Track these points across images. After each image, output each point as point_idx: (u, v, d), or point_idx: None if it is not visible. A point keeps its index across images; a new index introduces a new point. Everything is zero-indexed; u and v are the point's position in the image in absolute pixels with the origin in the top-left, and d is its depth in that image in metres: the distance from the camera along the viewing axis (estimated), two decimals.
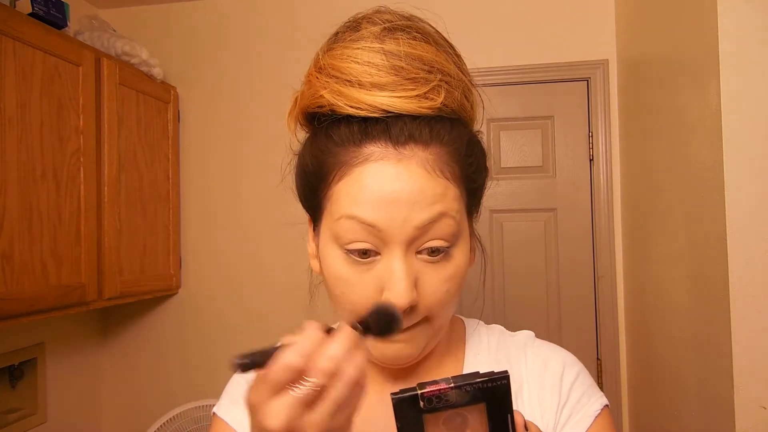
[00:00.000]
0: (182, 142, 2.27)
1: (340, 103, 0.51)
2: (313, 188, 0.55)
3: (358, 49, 0.52)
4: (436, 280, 0.52)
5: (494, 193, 2.10)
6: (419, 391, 0.38)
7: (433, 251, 0.52)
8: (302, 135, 0.60)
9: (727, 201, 1.04)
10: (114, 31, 2.02)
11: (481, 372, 0.39)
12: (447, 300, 0.54)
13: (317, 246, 0.58)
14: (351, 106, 0.51)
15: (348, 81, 0.51)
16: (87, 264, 1.70)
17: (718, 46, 1.05)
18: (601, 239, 2.03)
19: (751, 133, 1.03)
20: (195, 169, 2.28)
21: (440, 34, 0.57)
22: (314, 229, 0.59)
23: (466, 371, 0.63)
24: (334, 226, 0.52)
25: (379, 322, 0.46)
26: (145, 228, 2.01)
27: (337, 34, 0.57)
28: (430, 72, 0.52)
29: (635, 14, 1.79)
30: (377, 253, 0.52)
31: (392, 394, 0.38)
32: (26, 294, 1.46)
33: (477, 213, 0.60)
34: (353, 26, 0.55)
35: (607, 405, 0.62)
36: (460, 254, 0.54)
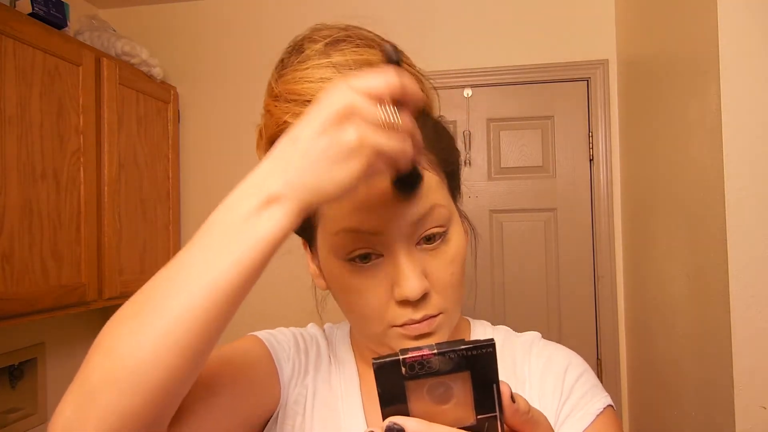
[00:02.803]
0: (182, 142, 2.27)
1: None
2: None
3: (308, 68, 0.54)
4: (441, 264, 0.54)
5: (494, 193, 2.10)
6: (401, 357, 0.37)
7: (429, 238, 0.53)
8: None
9: (727, 201, 1.04)
10: (114, 31, 2.02)
11: (465, 339, 0.38)
12: (454, 283, 0.55)
13: (318, 264, 0.59)
14: None
15: (307, 101, 0.53)
16: (87, 264, 1.70)
17: (718, 46, 1.05)
18: (601, 239, 2.03)
19: (751, 133, 1.03)
20: (195, 169, 2.28)
21: (379, 36, 0.58)
22: (311, 249, 0.60)
23: None
24: (331, 241, 0.53)
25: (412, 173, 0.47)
26: (145, 228, 2.01)
27: (282, 60, 0.59)
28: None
29: (635, 14, 1.79)
30: (379, 255, 0.52)
31: (374, 358, 0.37)
32: (26, 294, 1.46)
33: (459, 194, 0.61)
34: (297, 49, 0.57)
35: (610, 405, 0.61)
36: (456, 236, 0.55)
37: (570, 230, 2.06)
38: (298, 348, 0.65)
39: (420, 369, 0.37)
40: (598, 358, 2.01)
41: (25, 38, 1.48)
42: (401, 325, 0.53)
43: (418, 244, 0.53)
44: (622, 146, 1.99)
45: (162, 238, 2.12)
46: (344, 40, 0.55)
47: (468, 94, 2.10)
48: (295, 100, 0.53)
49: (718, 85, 1.05)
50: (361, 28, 0.58)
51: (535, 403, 0.59)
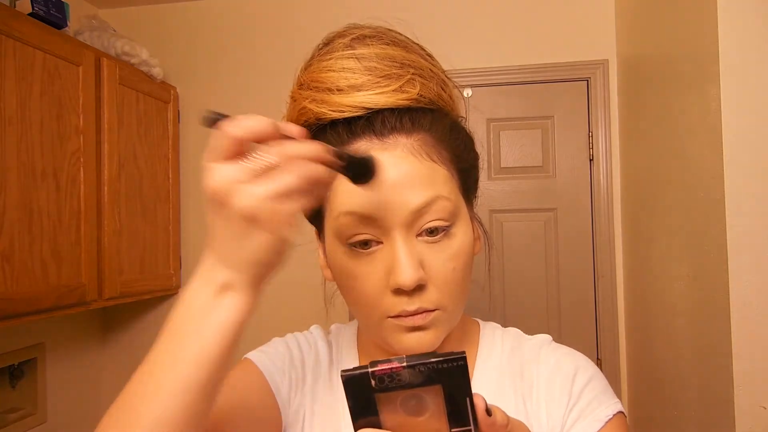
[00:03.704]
0: (182, 142, 2.27)
1: (323, 110, 0.54)
2: None
3: (332, 59, 0.55)
4: (441, 258, 0.53)
5: (494, 193, 2.10)
6: (370, 369, 0.37)
7: (432, 231, 0.53)
8: None
9: (727, 201, 1.04)
10: (114, 31, 2.02)
11: (438, 352, 0.38)
12: (454, 279, 0.54)
13: (325, 254, 0.59)
14: (333, 111, 0.54)
15: (327, 89, 0.54)
16: (87, 264, 1.70)
17: (718, 46, 1.05)
18: (601, 239, 2.03)
19: (751, 133, 1.03)
20: (195, 169, 2.28)
21: (408, 38, 0.59)
22: (320, 238, 0.60)
23: (477, 371, 0.64)
24: (334, 225, 0.54)
25: (356, 163, 0.46)
26: (145, 228, 2.01)
27: (312, 54, 0.60)
28: (402, 68, 0.54)
29: (635, 14, 1.79)
30: (379, 242, 0.53)
31: (342, 371, 0.37)
32: (26, 294, 1.46)
33: (475, 197, 0.61)
34: (326, 43, 0.58)
35: (621, 412, 0.60)
36: (461, 234, 0.55)
37: (570, 230, 2.06)
38: (293, 360, 0.65)
39: (390, 382, 0.37)
40: (598, 358, 2.01)
41: (25, 38, 1.48)
42: (395, 316, 0.53)
43: (419, 235, 0.53)
44: (622, 146, 1.99)
45: (162, 238, 2.12)
46: (372, 37, 0.56)
47: (468, 94, 2.10)
48: (316, 88, 0.55)
49: (718, 85, 1.05)
50: (393, 30, 0.59)
51: (542, 409, 0.60)
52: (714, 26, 1.06)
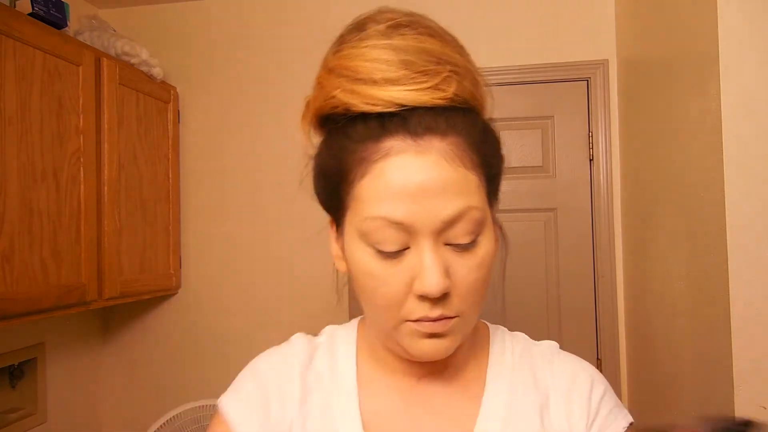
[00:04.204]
0: (182, 142, 2.27)
1: (354, 101, 0.52)
2: (334, 188, 0.55)
3: (366, 47, 0.52)
4: (466, 268, 0.53)
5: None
6: None
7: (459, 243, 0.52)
8: (315, 140, 0.61)
9: (727, 201, 1.04)
10: (114, 31, 2.02)
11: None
12: (477, 288, 0.54)
13: (342, 246, 0.58)
14: (366, 103, 0.51)
15: (360, 79, 0.51)
16: (87, 264, 1.70)
17: (718, 46, 1.05)
18: (601, 239, 2.03)
19: (751, 133, 1.03)
20: (195, 169, 2.28)
21: (442, 28, 0.56)
22: (337, 229, 0.59)
23: (489, 373, 0.63)
24: (361, 225, 0.52)
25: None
26: (145, 228, 2.01)
27: (342, 36, 0.57)
28: (438, 64, 0.52)
29: (635, 14, 1.79)
30: (406, 247, 0.52)
31: None
32: (26, 294, 1.46)
33: (496, 201, 0.60)
34: (358, 27, 0.55)
35: (632, 423, 0.62)
36: (486, 242, 0.54)
37: (570, 230, 2.06)
38: (266, 395, 0.62)
39: None
40: (598, 358, 2.01)
41: (25, 38, 1.48)
42: (416, 320, 0.52)
43: (447, 244, 0.52)
44: (622, 146, 1.99)
45: (162, 238, 2.12)
46: (407, 26, 0.53)
47: None
48: (347, 76, 0.52)
49: (718, 85, 1.05)
50: (425, 17, 0.56)
51: (563, 421, 0.61)
52: (714, 26, 1.06)
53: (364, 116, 0.52)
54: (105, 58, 1.80)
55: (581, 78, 2.06)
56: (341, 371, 0.63)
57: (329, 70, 0.55)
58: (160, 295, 2.17)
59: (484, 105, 0.59)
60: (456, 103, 0.54)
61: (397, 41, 0.51)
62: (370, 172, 0.51)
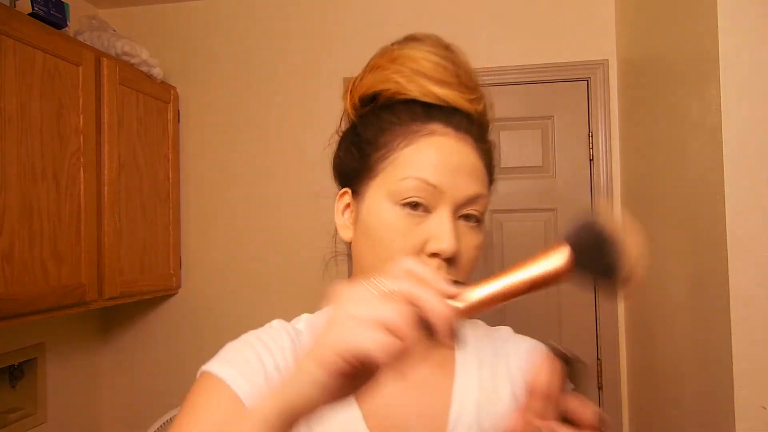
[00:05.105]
0: (182, 142, 2.27)
1: (411, 88, 0.62)
2: (367, 156, 0.64)
3: (428, 52, 0.63)
4: (471, 242, 0.62)
5: (494, 193, 2.10)
6: None
7: (469, 217, 0.62)
8: (345, 119, 0.71)
9: (727, 201, 1.04)
10: (114, 31, 2.02)
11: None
12: (472, 263, 0.62)
13: (352, 215, 0.66)
14: (421, 92, 0.62)
15: (421, 72, 0.62)
16: (87, 264, 1.70)
17: (718, 46, 1.05)
18: None
19: (751, 133, 1.03)
20: (195, 169, 2.28)
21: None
22: (354, 196, 0.66)
23: (458, 353, 0.69)
24: (395, 185, 0.60)
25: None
26: (145, 228, 2.01)
27: (398, 41, 0.67)
28: (477, 84, 0.66)
29: (635, 14, 1.79)
30: (427, 211, 0.60)
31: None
32: (26, 294, 1.46)
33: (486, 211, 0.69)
34: (417, 39, 0.66)
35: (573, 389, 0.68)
36: (483, 231, 0.64)
37: None
38: (266, 369, 0.63)
39: None
40: (598, 358, 2.01)
41: (25, 38, 1.48)
42: None
43: (459, 218, 0.61)
44: (622, 146, 1.99)
45: (162, 238, 2.12)
46: (455, 49, 0.66)
47: None
48: (410, 67, 0.63)
49: (718, 85, 1.05)
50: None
51: (517, 390, 0.67)
52: (714, 26, 1.06)
53: (410, 102, 0.63)
54: (105, 58, 1.80)
55: (581, 78, 2.06)
56: None
57: (392, 59, 0.64)
58: (160, 295, 2.17)
59: (491, 129, 0.72)
60: (479, 120, 0.67)
61: (453, 56, 0.64)
62: (414, 143, 0.61)
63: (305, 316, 0.74)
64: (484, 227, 0.65)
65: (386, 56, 0.65)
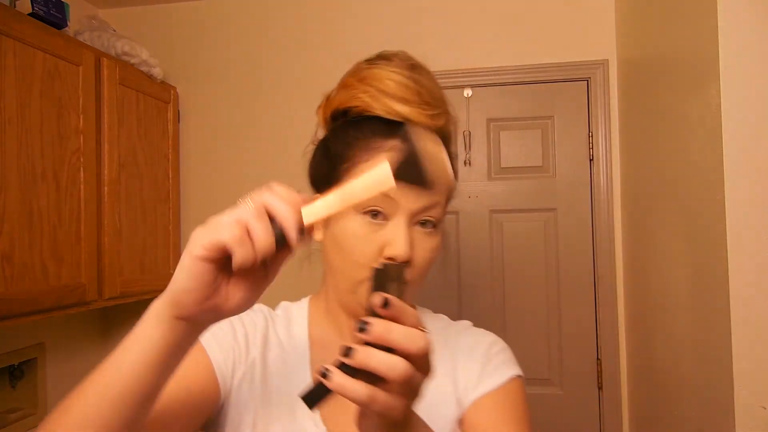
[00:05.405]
0: (182, 142, 2.27)
1: (376, 106, 0.69)
2: (334, 166, 0.70)
3: (394, 72, 0.69)
4: (425, 247, 0.68)
5: (494, 193, 2.10)
6: None
7: (425, 223, 0.68)
8: (320, 131, 0.78)
9: (727, 201, 1.04)
10: (114, 31, 2.02)
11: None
12: (427, 265, 0.69)
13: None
14: (384, 110, 0.68)
15: (385, 92, 0.68)
16: (87, 264, 1.70)
17: (718, 46, 1.05)
18: (601, 239, 2.03)
19: (751, 133, 1.03)
20: (195, 169, 2.28)
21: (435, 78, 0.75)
22: None
23: None
24: None
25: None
26: (145, 228, 2.01)
27: (369, 60, 0.74)
28: (439, 102, 0.70)
29: (635, 14, 1.79)
30: (386, 219, 0.66)
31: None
32: (26, 294, 1.46)
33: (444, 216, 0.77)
34: (386, 57, 0.73)
35: (519, 375, 0.77)
36: (439, 236, 0.71)
37: (570, 230, 2.06)
38: (236, 334, 0.75)
39: None
40: (598, 358, 2.01)
41: (25, 38, 1.48)
42: None
43: (416, 224, 0.67)
44: (622, 146, 1.99)
45: (162, 238, 2.12)
46: (422, 69, 0.72)
47: (468, 94, 2.10)
48: (375, 87, 0.69)
49: (718, 85, 1.05)
50: (428, 69, 0.75)
51: (466, 375, 0.75)
52: (714, 26, 1.06)
53: (374, 119, 0.69)
54: (105, 58, 1.80)
55: (581, 78, 2.06)
56: (295, 335, 0.78)
57: (360, 78, 0.71)
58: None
59: (453, 141, 0.77)
60: (441, 134, 0.70)
61: (417, 76, 0.69)
62: (375, 157, 0.67)
63: (283, 303, 0.85)
64: (441, 231, 0.71)
65: (356, 75, 0.72)
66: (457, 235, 2.11)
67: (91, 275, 1.71)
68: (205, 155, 2.28)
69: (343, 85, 0.74)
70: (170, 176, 2.18)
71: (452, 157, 0.73)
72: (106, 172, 1.79)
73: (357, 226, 0.66)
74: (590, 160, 2.05)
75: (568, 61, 2.06)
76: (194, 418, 0.69)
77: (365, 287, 0.66)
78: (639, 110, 1.77)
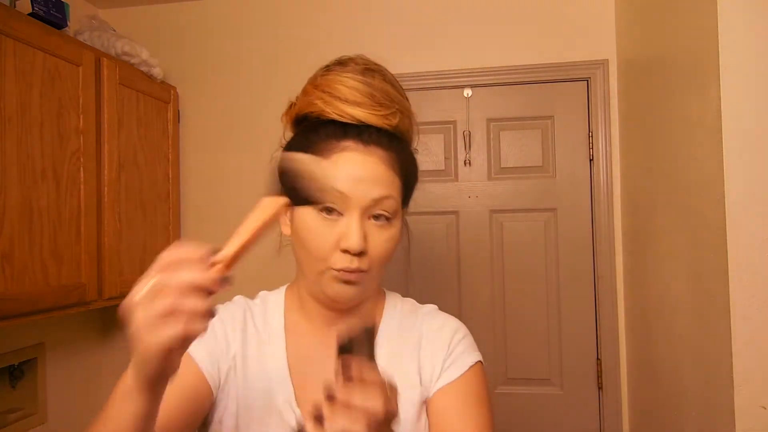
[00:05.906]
0: (182, 142, 2.27)
1: (329, 110, 0.74)
2: None
3: (346, 77, 0.74)
4: (380, 238, 0.74)
5: (494, 193, 2.10)
6: None
7: (378, 217, 0.74)
8: (287, 134, 0.84)
9: (727, 201, 1.04)
10: (114, 31, 2.02)
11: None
12: (385, 255, 0.75)
13: (290, 215, 0.77)
14: (336, 113, 0.73)
15: (337, 97, 0.73)
16: (87, 264, 1.70)
17: (718, 46, 1.05)
18: (601, 239, 2.03)
19: (751, 133, 1.03)
20: (195, 169, 2.28)
21: (396, 79, 0.80)
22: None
23: (383, 322, 0.85)
24: (318, 194, 0.68)
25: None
26: (145, 228, 2.01)
27: (328, 66, 0.79)
28: (392, 102, 0.75)
29: (635, 14, 1.79)
30: (340, 214, 0.72)
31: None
32: (26, 294, 1.46)
33: (407, 206, 0.82)
34: (342, 63, 0.78)
35: (480, 361, 0.83)
36: (395, 226, 0.77)
37: (570, 230, 2.06)
38: (216, 336, 0.80)
39: None
40: (598, 358, 2.01)
41: (25, 38, 1.48)
42: (338, 270, 0.72)
43: (370, 218, 0.73)
44: (622, 146, 1.99)
45: (162, 238, 2.12)
46: (376, 71, 0.77)
47: (468, 94, 2.10)
48: (329, 93, 0.74)
49: (718, 85, 1.05)
50: (388, 71, 0.80)
51: (429, 357, 0.81)
52: (714, 26, 1.06)
53: (330, 122, 0.74)
54: (105, 58, 1.80)
55: (581, 78, 2.06)
56: (271, 324, 0.84)
57: (316, 85, 0.77)
58: None
59: (413, 138, 0.83)
60: (397, 132, 0.77)
61: (368, 79, 0.74)
62: (330, 158, 0.73)
63: (262, 293, 0.90)
64: (397, 223, 0.76)
65: (313, 82, 0.78)
66: (457, 235, 2.11)
67: (91, 275, 1.71)
68: (205, 155, 2.28)
69: (303, 91, 0.80)
70: (170, 176, 2.18)
71: (409, 153, 0.79)
72: (106, 172, 1.79)
73: (313, 220, 0.73)
74: (590, 160, 2.05)
75: (568, 61, 2.06)
76: (195, 420, 0.75)
77: (327, 276, 0.73)
78: (639, 110, 1.77)
